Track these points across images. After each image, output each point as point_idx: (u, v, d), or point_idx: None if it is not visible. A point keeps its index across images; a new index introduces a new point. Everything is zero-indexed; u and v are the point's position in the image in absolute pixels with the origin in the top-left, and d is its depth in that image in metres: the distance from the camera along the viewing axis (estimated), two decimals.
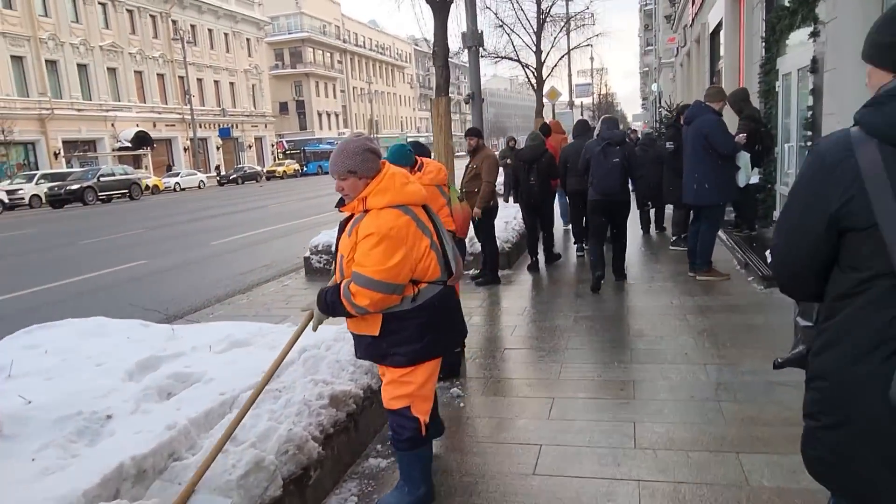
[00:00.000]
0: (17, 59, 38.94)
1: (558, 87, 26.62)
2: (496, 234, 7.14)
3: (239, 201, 24.00)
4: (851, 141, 1.36)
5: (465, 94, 14.23)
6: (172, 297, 7.43)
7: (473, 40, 13.72)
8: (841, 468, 1.41)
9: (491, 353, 4.77)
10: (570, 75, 34.01)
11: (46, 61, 40.55)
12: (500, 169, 13.11)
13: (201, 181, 42.51)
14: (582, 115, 39.97)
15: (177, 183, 39.95)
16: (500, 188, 12.66)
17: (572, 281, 6.97)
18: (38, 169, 37.40)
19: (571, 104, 36.34)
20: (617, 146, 6.19)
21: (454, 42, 14.61)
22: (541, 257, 7.83)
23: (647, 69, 64.62)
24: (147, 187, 36.72)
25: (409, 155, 4.07)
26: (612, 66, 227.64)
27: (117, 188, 27.90)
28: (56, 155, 40.57)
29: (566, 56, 21.28)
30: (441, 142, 8.94)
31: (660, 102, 36.60)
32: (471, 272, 7.04)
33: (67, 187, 25.86)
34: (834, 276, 1.43)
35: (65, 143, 41.59)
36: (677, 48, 23.09)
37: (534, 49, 19.31)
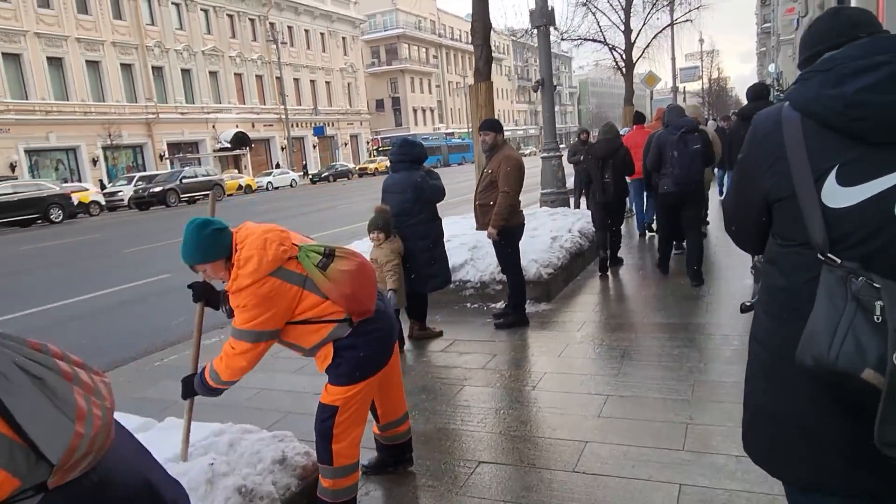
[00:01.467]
0: (126, 67, 40.98)
1: (656, 72, 23.99)
2: (531, 258, 5.57)
3: (315, 201, 23.49)
4: (781, 115, 1.41)
5: (534, 80, 12.54)
6: (165, 326, 6.45)
7: (543, 18, 11.97)
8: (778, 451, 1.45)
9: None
10: (672, 58, 31.12)
11: (153, 68, 42.43)
12: (558, 170, 11.54)
13: (294, 180, 43.10)
14: (685, 101, 36.63)
15: (269, 182, 40.65)
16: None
17: (650, 307, 5.29)
18: (145, 170, 39.31)
19: (675, 90, 33.20)
20: (695, 132, 5.88)
21: (520, 20, 12.93)
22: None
23: (764, 49, 59.23)
24: (240, 187, 37.64)
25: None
26: (726, 48, 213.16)
27: (200, 189, 28.33)
28: (161, 157, 42.45)
29: (661, 34, 18.76)
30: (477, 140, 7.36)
31: (777, 85, 32.72)
32: (496, 307, 5.49)
33: (151, 190, 26.47)
34: (768, 241, 1.50)
35: (169, 145, 43.44)
36: (797, 19, 19.94)
37: (622, 28, 17.14)
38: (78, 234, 17.84)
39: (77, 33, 37.62)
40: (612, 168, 6.71)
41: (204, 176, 29.77)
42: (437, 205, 4.87)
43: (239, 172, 45.59)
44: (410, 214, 4.66)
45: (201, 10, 46.05)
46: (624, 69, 17.25)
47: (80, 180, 36.75)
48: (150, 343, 5.81)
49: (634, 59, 17.30)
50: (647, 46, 18.00)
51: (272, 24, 50.97)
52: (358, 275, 2.47)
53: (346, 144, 60.38)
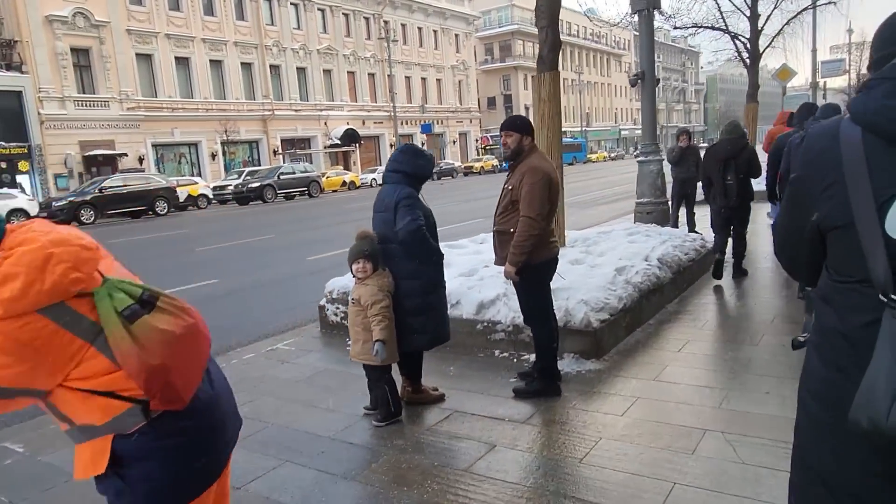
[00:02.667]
0: (246, 66, 42.73)
1: (791, 65, 21.08)
2: (579, 298, 4.22)
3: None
4: (839, 129, 1.25)
5: (633, 73, 10.94)
6: None
7: (644, 1, 10.38)
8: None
9: None
10: (813, 49, 27.68)
11: (270, 66, 44.00)
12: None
13: None
14: (824, 99, 32.60)
15: (373, 179, 40.87)
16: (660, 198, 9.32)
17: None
18: (260, 165, 40.88)
19: (815, 85, 29.52)
20: None
21: (618, 5, 11.27)
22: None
23: None
24: (344, 183, 38.10)
25: None
26: None
27: (296, 186, 28.59)
28: (275, 152, 43.97)
29: (796, 20, 15.90)
30: (543, 139, 6.07)
31: None
32: (530, 359, 4.19)
33: (249, 185, 26.97)
34: (822, 274, 1.33)
35: (283, 141, 44.92)
36: None
37: (747, 13, 14.66)
38: (171, 228, 18.26)
39: (203, 34, 39.61)
40: (734, 169, 6.18)
41: (302, 172, 30.09)
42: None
43: (346, 169, 46.45)
44: (394, 242, 3.54)
45: (318, 9, 47.21)
46: (748, 60, 14.89)
47: (200, 174, 38.77)
48: None
49: (761, 49, 14.88)
50: (778, 34, 15.45)
51: (386, 23, 51.36)
52: (181, 342, 1.47)
53: (454, 142, 60.01)
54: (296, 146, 46.22)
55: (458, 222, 14.25)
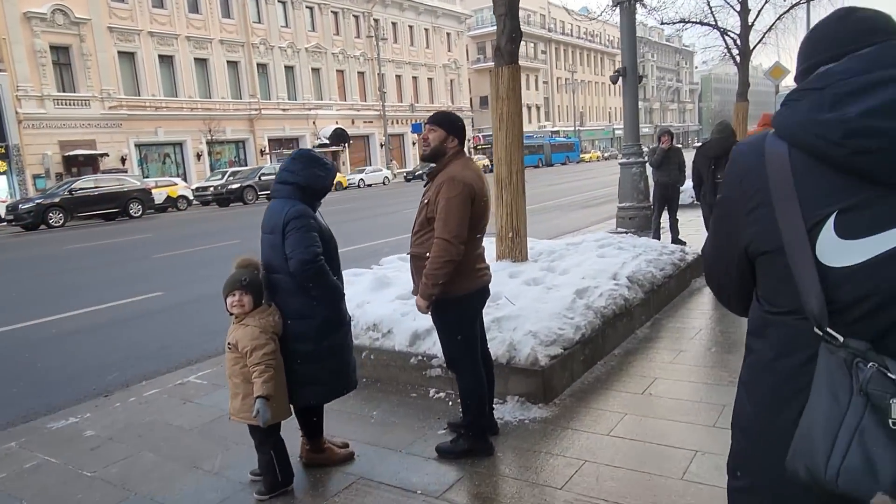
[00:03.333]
0: (232, 64, 41.97)
1: (783, 63, 20.46)
2: (527, 329, 3.53)
3: (392, 202, 22.14)
4: (764, 145, 1.15)
5: (614, 70, 10.31)
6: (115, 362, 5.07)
7: None
8: None
9: None
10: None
11: (257, 65, 43.27)
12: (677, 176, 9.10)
13: (386, 177, 42.48)
14: None
15: (361, 179, 40.17)
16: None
17: None
18: (246, 165, 40.17)
19: None
20: None
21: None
22: None
23: None
24: None
25: None
26: None
27: None
28: (262, 152, 43.25)
29: (789, 15, 15.10)
30: (501, 140, 5.39)
31: None
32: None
33: (229, 186, 26.15)
34: (752, 304, 1.23)
35: (270, 140, 44.21)
36: None
37: (737, 8, 13.88)
38: (138, 231, 17.48)
39: (187, 32, 38.84)
40: (725, 168, 5.16)
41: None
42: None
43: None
44: (282, 272, 2.84)
45: (307, 7, 46.51)
46: (738, 58, 14.19)
47: (185, 174, 38.05)
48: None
49: (752, 46, 14.16)
50: (770, 29, 14.73)
51: (376, 21, 50.69)
52: None
53: None
54: (283, 146, 45.46)
55: None
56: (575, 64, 76.73)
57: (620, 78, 9.92)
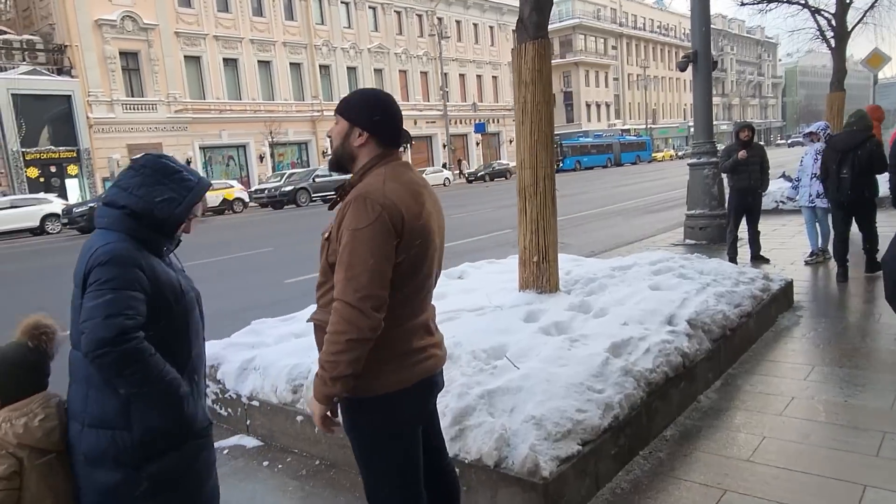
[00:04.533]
0: (295, 66, 42.14)
1: (884, 50, 18.10)
2: (527, 412, 2.37)
3: (451, 207, 21.06)
4: None
5: (682, 55, 8.87)
6: None
7: None
8: None
9: None
10: None
11: (320, 66, 43.30)
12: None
13: (447, 178, 41.52)
14: None
15: None
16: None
17: None
18: (309, 166, 40.20)
19: None
20: None
21: None
22: None
23: None
24: None
25: None
26: None
27: (333, 189, 27.16)
28: (324, 154, 43.22)
29: None
30: (525, 137, 4.20)
31: None
32: None
33: (281, 189, 25.74)
34: None
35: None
36: None
37: None
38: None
39: (251, 35, 39.18)
40: (852, 162, 5.88)
41: (338, 175, 28.69)
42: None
43: None
44: (78, 347, 1.78)
45: (369, 7, 46.24)
46: (833, 41, 12.24)
47: (248, 176, 38.39)
48: None
49: (850, 27, 12.19)
50: (872, 6, 12.63)
51: (440, 19, 49.91)
52: None
53: (511, 141, 57.91)
54: None
55: (482, 233, 12.40)
56: (647, 59, 73.62)
57: (690, 64, 8.46)
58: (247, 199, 27.29)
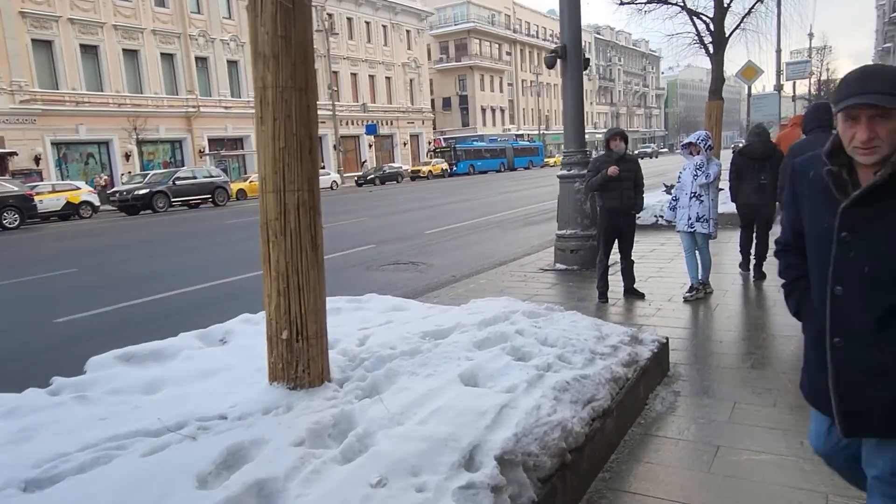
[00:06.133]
0: (168, 57, 38.64)
1: (760, 58, 18.15)
2: None
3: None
4: None
5: (549, 50, 7.73)
6: None
7: None
8: None
9: None
10: (778, 49, 25.29)
11: (196, 58, 40.02)
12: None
13: (334, 182, 39.49)
14: (793, 103, 30.28)
15: None
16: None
17: None
18: (184, 166, 36.86)
19: (780, 88, 27.04)
20: None
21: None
22: None
23: (889, 45, 50.72)
24: None
25: None
26: (838, 48, 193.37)
27: (197, 193, 24.43)
28: (201, 153, 39.92)
29: (763, 4, 12.58)
30: (267, 143, 2.64)
31: None
32: None
33: (135, 192, 22.76)
34: None
35: (210, 140, 40.92)
36: None
37: None
38: None
39: (114, 20, 35.43)
40: (770, 169, 6.26)
41: (205, 177, 25.90)
42: None
43: None
44: None
45: None
46: (711, 47, 11.66)
47: (111, 176, 34.54)
48: None
49: (728, 32, 11.64)
50: (749, 12, 12.12)
51: (330, 15, 47.70)
52: None
53: (405, 144, 56.55)
54: (226, 147, 42.18)
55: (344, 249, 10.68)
56: (540, 66, 74.79)
57: (559, 60, 7.27)
58: (97, 203, 23.96)
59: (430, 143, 58.18)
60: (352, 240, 11.93)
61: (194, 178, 25.11)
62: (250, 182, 33.89)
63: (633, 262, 5.99)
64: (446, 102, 66.84)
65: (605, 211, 5.76)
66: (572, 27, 7.18)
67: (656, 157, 67.78)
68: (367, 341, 3.24)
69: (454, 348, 3.05)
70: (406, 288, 7.35)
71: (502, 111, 70.77)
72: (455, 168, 48.88)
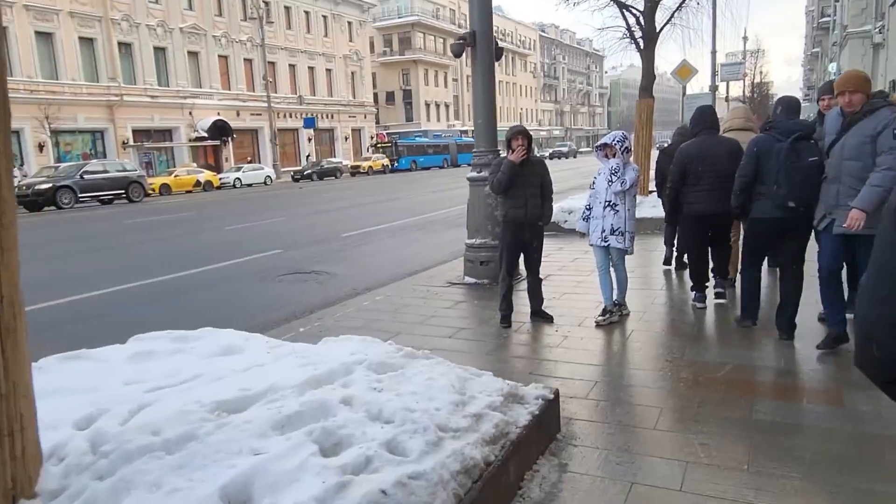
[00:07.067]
0: (87, 42, 36.21)
1: (690, 55, 17.90)
2: None
3: (237, 214, 18.02)
4: None
5: (457, 37, 6.88)
6: None
7: None
8: None
9: None
10: (713, 51, 25.27)
11: (119, 44, 37.69)
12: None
13: (268, 177, 37.88)
14: (726, 103, 30.48)
15: (237, 179, 35.34)
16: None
17: None
18: (106, 158, 34.59)
19: (715, 89, 27.13)
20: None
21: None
22: None
23: (818, 50, 52.61)
24: (198, 183, 32.44)
25: None
26: (771, 52, 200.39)
27: (109, 188, 22.64)
28: (124, 144, 37.61)
29: (696, 2, 12.20)
30: None
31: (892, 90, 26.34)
32: None
33: (36, 187, 20.84)
34: None
35: (135, 131, 38.63)
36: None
37: None
38: None
39: (26, 0, 32.84)
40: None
41: (118, 171, 24.03)
42: None
43: (215, 166, 40.72)
44: None
45: None
46: (642, 42, 11.09)
47: (24, 167, 32.04)
48: None
49: (658, 27, 11.10)
50: (680, 7, 11.64)
51: (265, 3, 45.76)
52: None
53: (346, 138, 55.11)
54: (153, 138, 39.92)
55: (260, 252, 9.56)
56: None
57: (468, 48, 6.44)
58: None
59: (372, 137, 56.87)
60: (257, 244, 10.86)
61: (105, 171, 23.22)
62: (175, 176, 32.05)
63: (540, 279, 5.22)
64: (390, 96, 65.63)
65: (509, 222, 4.95)
66: (483, 11, 6.36)
67: (575, 156, 64.15)
68: (135, 416, 2.32)
69: (243, 433, 2.16)
70: (296, 305, 6.42)
71: (447, 106, 70.02)
72: (396, 164, 47.79)
